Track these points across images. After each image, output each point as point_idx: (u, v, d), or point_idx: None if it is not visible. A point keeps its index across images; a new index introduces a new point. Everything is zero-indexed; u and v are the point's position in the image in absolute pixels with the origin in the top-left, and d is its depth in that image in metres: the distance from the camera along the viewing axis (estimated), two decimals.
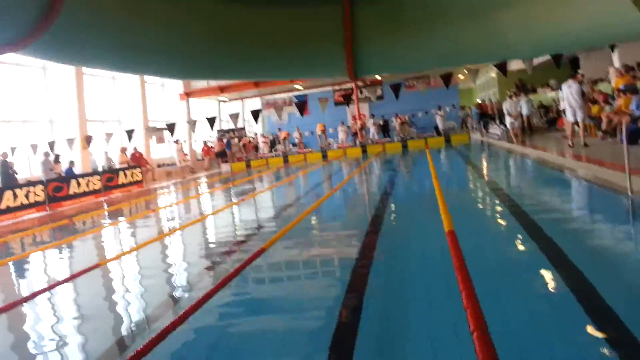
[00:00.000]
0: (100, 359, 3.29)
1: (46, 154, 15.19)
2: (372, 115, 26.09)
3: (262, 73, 5.96)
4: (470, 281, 3.28)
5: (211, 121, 16.56)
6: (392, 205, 8.14)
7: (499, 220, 6.01)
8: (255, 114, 15.18)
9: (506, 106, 16.05)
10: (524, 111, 17.67)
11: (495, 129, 19.09)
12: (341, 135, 26.03)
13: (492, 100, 25.52)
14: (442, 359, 2.63)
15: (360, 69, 4.48)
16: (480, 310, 2.74)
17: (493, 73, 27.40)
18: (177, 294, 4.59)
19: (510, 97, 16.12)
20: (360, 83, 27.35)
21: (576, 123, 12.29)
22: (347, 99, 17.82)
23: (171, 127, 15.34)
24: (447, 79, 10.08)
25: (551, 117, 20.58)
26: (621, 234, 4.89)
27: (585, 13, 3.22)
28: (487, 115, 22.60)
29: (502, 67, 7.09)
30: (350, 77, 4.67)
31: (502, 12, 3.59)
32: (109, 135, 18.14)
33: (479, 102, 27.49)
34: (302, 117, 27.70)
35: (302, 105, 17.90)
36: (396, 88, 10.73)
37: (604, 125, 11.97)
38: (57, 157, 15.85)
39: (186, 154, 25.01)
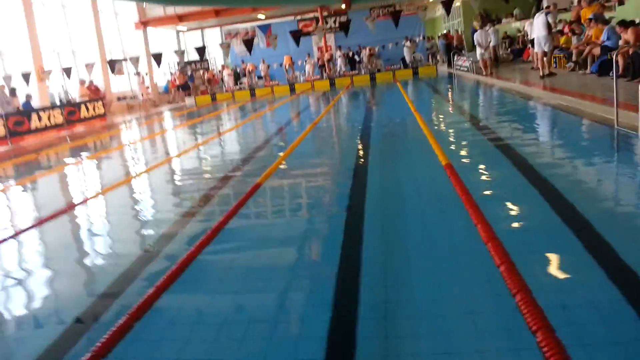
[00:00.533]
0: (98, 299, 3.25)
1: (1, 87, 14.29)
2: (339, 47, 25.46)
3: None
4: (483, 215, 3.37)
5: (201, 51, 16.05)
6: (379, 139, 8.17)
7: (488, 155, 6.10)
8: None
9: (476, 36, 15.94)
10: (492, 42, 17.61)
11: (462, 61, 19.05)
12: (308, 67, 25.46)
13: (457, 31, 25.31)
14: (452, 291, 2.75)
15: None
16: (501, 243, 2.85)
17: (458, 2, 26.98)
18: (172, 232, 4.54)
19: (482, 27, 15.91)
20: (325, 12, 26.48)
21: (545, 54, 12.44)
22: (345, 27, 17.09)
23: (157, 58, 14.71)
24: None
25: (516, 48, 20.66)
26: (603, 161, 5.10)
27: None
28: (454, 47, 22.45)
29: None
30: (346, 5, 4.47)
31: None
32: (90, 66, 17.08)
33: (445, 32, 27.22)
34: (266, 49, 26.89)
35: (297, 34, 17.53)
36: (396, 15, 10.39)
37: (574, 56, 12.14)
38: (13, 90, 14.95)
39: (148, 87, 24.07)
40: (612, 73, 9.73)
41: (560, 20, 16.15)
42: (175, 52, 22.51)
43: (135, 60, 18.06)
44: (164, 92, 26.29)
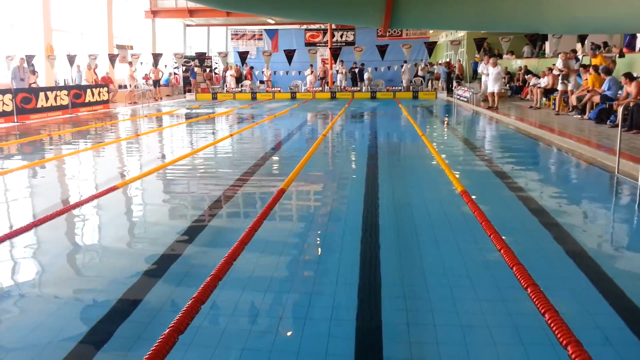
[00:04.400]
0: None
1: (21, 61, 14.33)
2: (342, 62, 25.79)
3: (290, 11, 5.92)
4: (506, 243, 3.70)
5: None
6: (384, 153, 8.50)
7: (494, 185, 6.47)
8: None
9: (482, 69, 16.38)
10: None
11: (463, 91, 19.58)
12: (310, 78, 25.74)
13: (459, 60, 25.95)
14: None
15: (395, 21, 4.59)
16: (524, 267, 3.17)
17: (462, 32, 27.57)
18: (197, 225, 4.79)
19: (491, 61, 16.22)
20: (334, 26, 26.95)
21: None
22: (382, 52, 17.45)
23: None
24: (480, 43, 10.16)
25: (515, 85, 21.26)
26: (605, 203, 5.52)
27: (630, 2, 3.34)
28: (456, 76, 23.05)
29: (534, 42, 7.35)
30: (383, 29, 4.80)
31: None
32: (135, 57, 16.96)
33: (447, 60, 27.83)
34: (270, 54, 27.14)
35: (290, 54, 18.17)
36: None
37: (573, 101, 12.68)
38: (33, 67, 15.07)
39: (150, 78, 24.11)
40: (610, 122, 10.29)
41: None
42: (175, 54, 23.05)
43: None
44: (165, 85, 26.46)
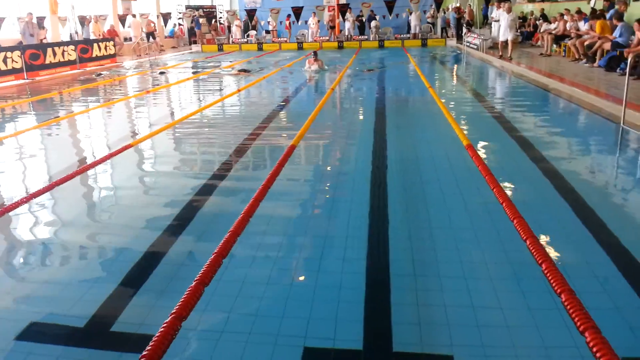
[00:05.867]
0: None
1: (29, 16, 14.23)
2: (350, 9, 25.11)
3: None
4: (508, 197, 3.86)
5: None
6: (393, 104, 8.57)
7: (499, 136, 6.57)
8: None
9: (494, 14, 15.92)
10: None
11: (473, 38, 19.18)
12: (313, 27, 25.14)
13: (470, 5, 25.22)
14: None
15: None
16: (524, 220, 3.34)
17: None
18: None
19: (506, 6, 15.51)
20: None
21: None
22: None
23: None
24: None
25: (527, 30, 20.68)
26: (608, 155, 5.62)
27: None
28: (467, 22, 22.48)
29: None
30: None
31: None
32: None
33: (457, 6, 27.04)
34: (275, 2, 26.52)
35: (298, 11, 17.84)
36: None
37: (581, 48, 12.46)
38: (41, 21, 14.98)
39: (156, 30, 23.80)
40: (620, 69, 10.18)
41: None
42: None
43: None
44: (169, 37, 26.16)
